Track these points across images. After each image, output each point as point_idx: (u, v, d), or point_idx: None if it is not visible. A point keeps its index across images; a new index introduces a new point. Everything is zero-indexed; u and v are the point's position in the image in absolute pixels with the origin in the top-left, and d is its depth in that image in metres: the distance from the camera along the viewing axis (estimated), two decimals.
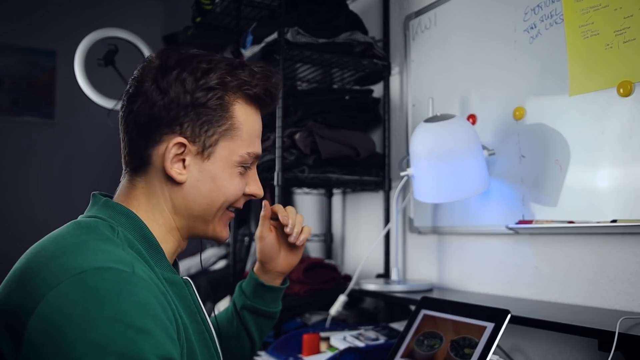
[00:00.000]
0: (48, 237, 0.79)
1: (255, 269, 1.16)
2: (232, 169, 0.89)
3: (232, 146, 0.88)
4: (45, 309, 0.66)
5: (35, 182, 3.75)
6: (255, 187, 0.95)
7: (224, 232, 0.95)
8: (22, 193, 3.72)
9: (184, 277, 0.90)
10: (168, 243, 0.90)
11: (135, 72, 0.89)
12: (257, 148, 0.93)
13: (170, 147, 0.85)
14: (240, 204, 0.95)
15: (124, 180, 0.91)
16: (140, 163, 0.88)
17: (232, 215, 0.95)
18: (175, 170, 0.86)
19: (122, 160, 0.90)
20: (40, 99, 3.84)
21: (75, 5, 3.86)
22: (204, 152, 0.87)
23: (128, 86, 0.89)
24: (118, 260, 0.72)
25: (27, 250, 0.79)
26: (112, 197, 0.91)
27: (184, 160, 0.86)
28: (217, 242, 0.98)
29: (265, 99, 0.92)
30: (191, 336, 0.83)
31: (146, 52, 2.43)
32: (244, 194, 0.94)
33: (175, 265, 0.97)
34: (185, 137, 0.85)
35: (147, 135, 0.86)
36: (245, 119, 0.90)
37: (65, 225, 0.82)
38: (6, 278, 0.76)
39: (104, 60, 2.33)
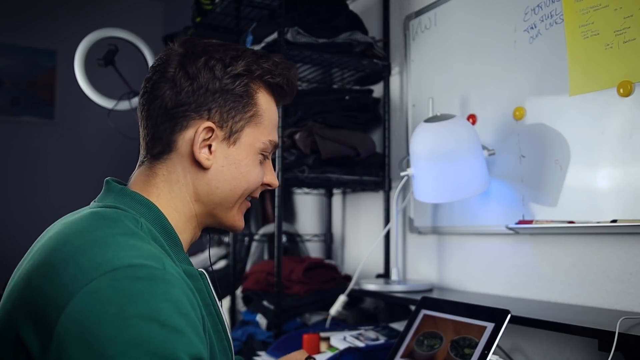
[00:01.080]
0: (68, 229, 0.76)
1: None
2: (254, 156, 0.91)
3: (256, 133, 0.90)
4: (78, 306, 0.65)
5: (36, 182, 3.75)
6: (271, 177, 0.96)
7: (241, 222, 0.95)
8: (22, 193, 3.73)
9: (199, 270, 0.89)
10: (186, 232, 0.90)
11: (156, 60, 0.90)
12: (276, 137, 0.94)
13: (199, 131, 0.85)
14: (257, 194, 0.95)
15: (141, 169, 0.90)
16: (163, 149, 0.87)
17: (249, 204, 0.96)
18: (203, 155, 0.86)
19: (143, 147, 0.90)
20: (40, 99, 3.84)
21: (75, 5, 3.86)
22: (230, 137, 0.88)
23: (150, 73, 0.89)
24: (149, 256, 0.71)
25: (44, 242, 0.77)
26: (126, 185, 0.89)
27: (210, 146, 0.87)
28: (232, 231, 0.98)
29: (286, 89, 0.93)
30: (210, 329, 0.83)
31: (146, 52, 2.43)
32: (262, 184, 0.95)
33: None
34: (213, 122, 0.86)
35: (173, 120, 0.86)
36: (267, 107, 0.91)
37: (83, 214, 0.79)
38: (26, 271, 0.74)
39: (104, 60, 2.33)
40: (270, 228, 2.34)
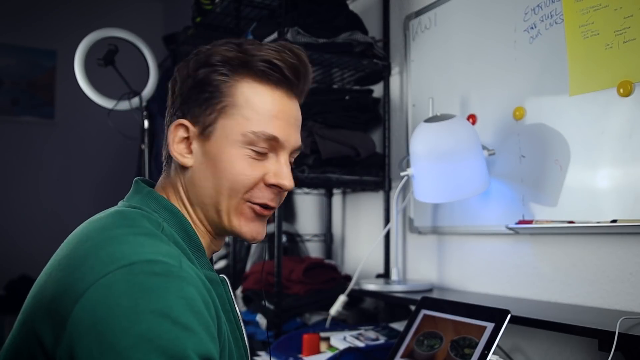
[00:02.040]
0: (91, 226, 0.77)
1: None
2: (236, 150, 0.83)
3: (232, 123, 0.83)
4: (92, 297, 0.65)
5: (35, 182, 3.75)
6: (277, 177, 0.86)
7: (244, 227, 0.86)
8: (22, 193, 3.72)
9: (221, 276, 0.88)
10: (203, 239, 0.89)
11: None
12: (270, 129, 0.84)
13: (172, 130, 0.85)
14: (262, 197, 0.86)
15: (163, 174, 0.92)
16: (167, 155, 0.89)
17: (256, 208, 0.86)
18: (177, 151, 0.85)
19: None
20: (40, 99, 3.84)
21: (75, 5, 3.86)
22: (204, 132, 0.84)
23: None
24: (166, 254, 0.72)
25: (68, 239, 0.78)
26: (153, 185, 0.91)
27: (191, 145, 0.86)
28: (246, 240, 0.90)
29: (272, 72, 0.85)
30: (228, 334, 0.82)
31: (146, 52, 2.43)
32: (266, 184, 0.86)
33: (211, 261, 0.95)
34: (187, 119, 0.85)
35: (168, 126, 0.88)
36: (250, 96, 0.84)
37: (107, 213, 0.81)
38: (48, 266, 0.75)
39: (104, 60, 2.33)
40: (270, 228, 2.34)
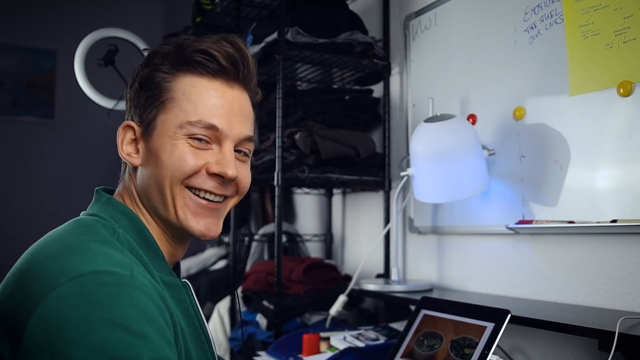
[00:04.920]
0: (49, 236, 0.79)
1: None
2: (174, 141, 0.84)
3: (170, 116, 0.85)
4: (45, 311, 0.65)
5: (35, 182, 3.75)
6: (218, 166, 0.85)
7: (192, 221, 0.86)
8: (22, 193, 3.72)
9: (183, 280, 0.89)
10: (161, 241, 0.89)
11: None
12: (208, 117, 0.84)
13: (120, 132, 0.88)
14: (204, 184, 0.85)
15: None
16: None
17: (198, 200, 0.86)
18: (125, 152, 0.88)
19: None
20: (40, 99, 3.84)
21: (75, 5, 3.86)
22: (147, 129, 0.87)
23: None
24: (117, 263, 0.72)
25: (27, 250, 0.78)
26: (114, 193, 0.92)
27: (138, 145, 0.89)
28: (199, 238, 0.89)
29: (206, 62, 0.85)
30: (188, 340, 0.83)
31: (146, 52, 2.43)
32: (209, 173, 0.85)
33: (177, 268, 0.96)
34: (134, 121, 0.88)
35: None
36: (188, 88, 0.85)
37: (66, 223, 0.81)
38: (5, 278, 0.75)
39: (104, 60, 2.33)
40: (270, 228, 2.34)
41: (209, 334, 0.91)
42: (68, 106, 3.82)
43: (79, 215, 0.86)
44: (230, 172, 0.85)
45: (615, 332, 0.99)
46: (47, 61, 3.85)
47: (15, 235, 3.54)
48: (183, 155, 0.84)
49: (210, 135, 0.85)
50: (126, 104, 0.91)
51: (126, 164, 0.90)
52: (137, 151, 0.88)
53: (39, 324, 0.65)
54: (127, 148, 0.88)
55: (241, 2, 2.03)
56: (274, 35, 1.74)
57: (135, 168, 0.88)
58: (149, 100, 0.86)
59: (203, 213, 0.87)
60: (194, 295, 0.91)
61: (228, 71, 0.87)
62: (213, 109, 0.85)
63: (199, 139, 0.84)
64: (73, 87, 2.43)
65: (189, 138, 0.84)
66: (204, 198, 0.86)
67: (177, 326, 0.77)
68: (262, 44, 1.79)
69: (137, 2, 4.16)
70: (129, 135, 0.88)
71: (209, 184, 0.85)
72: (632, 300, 1.21)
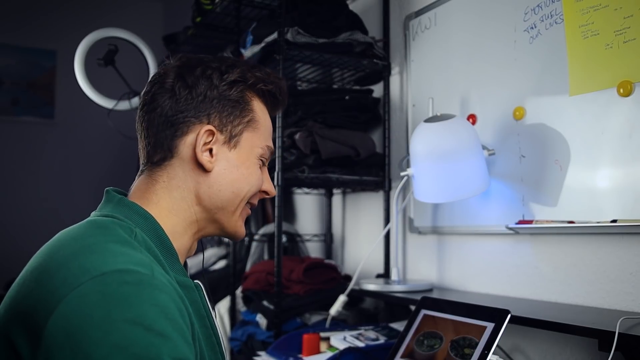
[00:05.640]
0: (64, 236, 0.78)
1: None
2: (255, 160, 0.94)
3: (255, 138, 0.93)
4: (66, 310, 0.66)
5: (35, 182, 3.75)
6: (269, 185, 0.99)
7: (243, 228, 0.97)
8: (22, 193, 3.72)
9: (195, 281, 0.90)
10: (184, 239, 0.91)
11: (153, 75, 0.94)
12: (271, 144, 0.98)
13: (201, 134, 0.88)
14: (255, 200, 0.98)
15: (141, 177, 0.92)
16: (164, 155, 0.90)
17: (249, 212, 0.98)
18: (205, 157, 0.89)
19: (143, 156, 0.93)
20: (40, 99, 3.84)
21: (75, 5, 3.86)
22: (230, 141, 0.91)
23: (148, 87, 0.92)
24: (138, 262, 0.72)
25: (42, 249, 0.78)
26: (126, 195, 0.91)
27: (211, 150, 0.90)
28: (234, 239, 1.00)
29: (279, 97, 0.97)
30: (201, 341, 0.83)
31: (146, 52, 2.43)
32: (260, 191, 0.97)
33: (185, 266, 0.97)
34: (214, 126, 0.90)
35: (174, 126, 0.89)
36: (262, 115, 0.95)
37: (80, 223, 0.81)
38: (21, 277, 0.75)
39: (104, 60, 2.33)
40: (270, 228, 2.34)
41: (219, 334, 0.91)
42: (68, 106, 3.82)
43: (80, 217, 0.86)
44: (274, 191, 1.01)
45: (615, 332, 0.99)
46: (47, 61, 3.85)
47: (15, 235, 3.55)
48: (259, 176, 0.96)
49: (268, 158, 0.98)
50: (197, 102, 0.90)
51: (165, 158, 0.90)
52: (212, 156, 0.90)
53: (60, 323, 0.65)
54: (203, 152, 0.89)
55: (241, 2, 2.03)
56: (274, 35, 1.74)
57: (203, 170, 0.90)
58: (234, 113, 0.91)
59: (245, 219, 0.99)
60: (206, 296, 0.92)
61: (279, 107, 1.01)
62: (271, 136, 0.99)
63: (263, 162, 0.97)
64: (73, 87, 2.43)
65: (260, 159, 0.96)
66: (249, 209, 0.99)
67: (194, 326, 0.78)
68: (262, 44, 1.79)
69: (137, 2, 4.16)
70: (207, 138, 0.89)
71: (256, 199, 0.99)
72: (632, 300, 1.21)
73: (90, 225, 0.80)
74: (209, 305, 0.91)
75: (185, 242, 0.91)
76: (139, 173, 0.93)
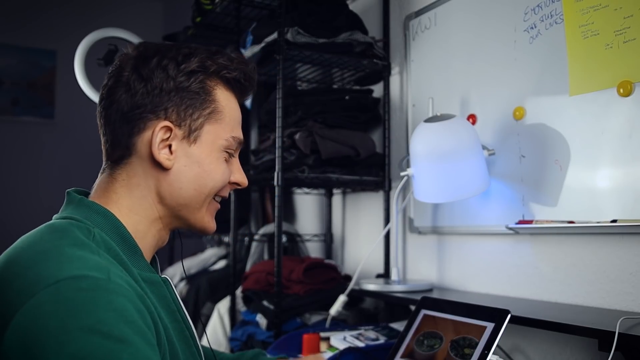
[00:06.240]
0: (21, 243, 0.76)
1: None
2: (218, 154, 0.90)
3: (217, 130, 0.89)
4: (21, 321, 0.64)
5: (35, 182, 3.75)
6: (239, 176, 0.95)
7: (211, 223, 0.93)
8: (22, 193, 3.72)
9: (163, 276, 0.88)
10: (148, 237, 0.88)
11: (111, 66, 0.90)
12: (240, 134, 0.93)
13: (157, 132, 0.85)
14: (225, 193, 0.94)
15: (102, 176, 0.89)
16: (123, 153, 0.87)
17: (218, 205, 0.94)
18: (163, 155, 0.85)
19: (104, 154, 0.90)
20: (40, 99, 3.84)
21: (75, 5, 3.86)
22: (190, 136, 0.87)
23: (106, 80, 0.88)
24: (93, 267, 0.70)
25: (1, 257, 0.76)
26: (87, 194, 0.89)
27: (170, 146, 0.86)
28: (203, 234, 0.97)
29: (244, 83, 0.92)
30: (172, 336, 0.82)
31: None
32: (230, 182, 0.94)
33: (154, 261, 0.95)
34: (170, 122, 0.86)
35: (130, 123, 0.85)
36: (227, 103, 0.90)
37: (39, 227, 0.79)
38: None
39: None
40: (270, 228, 2.34)
41: (192, 328, 0.90)
42: (68, 106, 3.82)
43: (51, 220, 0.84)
44: (246, 181, 0.96)
45: (615, 332, 0.99)
46: (47, 61, 3.85)
47: (15, 235, 3.54)
48: (225, 170, 0.91)
49: (236, 149, 0.94)
50: (153, 96, 0.85)
51: (124, 156, 0.87)
52: (172, 153, 0.86)
53: (16, 335, 0.64)
54: (160, 150, 0.86)
55: (241, 2, 2.03)
56: (274, 35, 1.74)
57: (162, 168, 0.86)
58: (194, 105, 0.87)
59: (214, 213, 0.95)
60: (175, 290, 0.90)
61: (248, 93, 0.96)
62: (240, 125, 0.94)
63: (230, 154, 0.92)
64: (73, 87, 2.43)
65: (226, 151, 0.91)
66: (219, 202, 0.95)
67: (158, 325, 0.76)
68: (262, 44, 1.79)
69: (137, 2, 4.16)
70: (164, 135, 0.85)
71: (226, 191, 0.95)
72: (632, 300, 1.21)
73: (47, 229, 0.78)
74: (179, 299, 0.90)
75: (150, 240, 0.89)
76: (101, 171, 0.90)
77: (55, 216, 0.85)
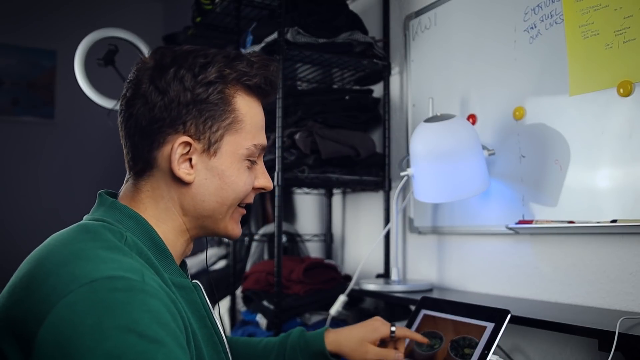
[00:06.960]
0: (54, 241, 0.77)
1: (331, 345, 1.13)
2: (239, 164, 0.88)
3: (238, 139, 0.87)
4: (56, 319, 0.65)
5: (35, 182, 3.75)
6: (264, 180, 0.93)
7: (236, 230, 0.93)
8: (22, 193, 3.72)
9: (194, 281, 0.89)
10: (177, 246, 0.88)
11: (130, 75, 0.88)
12: (263, 139, 0.91)
13: (175, 148, 0.83)
14: (250, 199, 0.93)
15: (128, 184, 0.89)
16: (144, 167, 0.86)
17: (244, 211, 0.94)
18: (183, 170, 0.84)
19: (126, 164, 0.89)
20: (40, 99, 3.84)
21: (75, 5, 3.86)
22: (209, 149, 0.85)
23: (125, 90, 0.87)
24: (128, 268, 0.71)
25: (32, 254, 0.76)
26: (116, 195, 0.89)
27: (190, 160, 0.85)
28: (229, 239, 0.97)
29: (266, 87, 0.90)
30: (200, 342, 0.82)
31: (146, 52, 2.43)
32: (254, 188, 0.92)
33: (184, 266, 0.95)
34: (189, 136, 0.84)
35: (150, 138, 0.84)
36: (248, 110, 0.88)
37: (71, 227, 0.80)
38: (10, 284, 0.74)
39: (104, 60, 2.33)
40: (270, 228, 2.34)
41: (221, 334, 0.90)
42: (68, 106, 3.82)
43: (80, 217, 0.85)
44: (271, 184, 0.95)
45: (615, 332, 0.99)
46: (47, 61, 3.85)
47: (15, 235, 3.55)
48: (247, 181, 0.90)
49: (259, 155, 0.92)
50: (171, 109, 0.83)
51: (147, 167, 0.86)
52: (191, 167, 0.85)
53: (51, 332, 0.64)
54: (180, 165, 0.84)
55: (241, 2, 2.02)
56: (274, 35, 1.73)
57: (183, 183, 0.85)
58: (212, 117, 0.85)
59: (239, 219, 0.94)
60: (205, 295, 0.90)
61: (270, 95, 0.93)
62: (263, 130, 0.92)
63: (254, 160, 0.91)
64: (73, 87, 2.43)
65: (248, 159, 0.89)
66: (244, 207, 0.94)
67: (188, 330, 0.77)
68: (262, 44, 1.79)
69: (137, 2, 4.16)
70: (182, 149, 0.84)
71: (251, 197, 0.93)
72: (632, 300, 1.21)
73: (80, 229, 0.78)
74: (209, 305, 0.90)
75: (179, 247, 0.89)
76: (125, 179, 0.90)
77: (86, 217, 0.85)
